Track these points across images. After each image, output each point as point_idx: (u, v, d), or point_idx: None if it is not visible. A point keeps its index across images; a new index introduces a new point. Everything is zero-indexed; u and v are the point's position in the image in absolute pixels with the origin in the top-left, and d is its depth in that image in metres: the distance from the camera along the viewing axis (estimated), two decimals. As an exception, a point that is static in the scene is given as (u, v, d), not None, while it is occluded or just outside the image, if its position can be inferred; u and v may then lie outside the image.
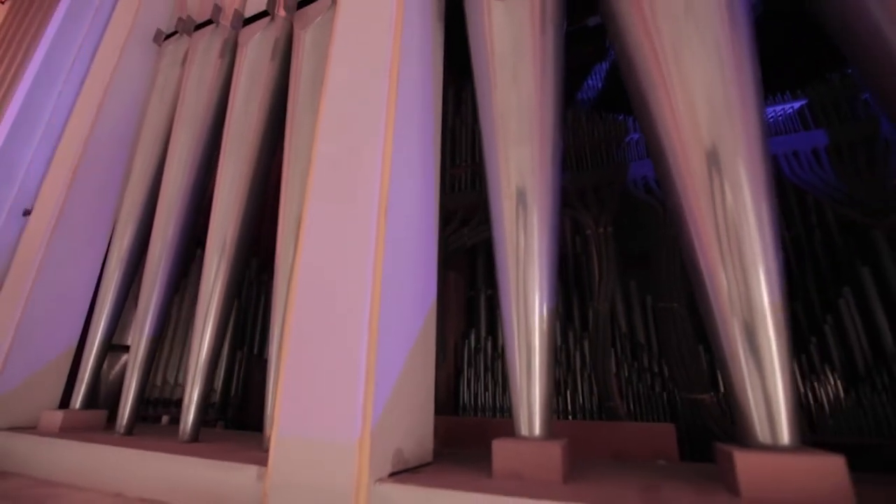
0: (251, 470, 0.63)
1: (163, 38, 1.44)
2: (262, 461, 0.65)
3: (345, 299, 0.62)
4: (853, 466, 1.37)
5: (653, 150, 0.73)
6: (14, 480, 0.81)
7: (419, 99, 0.85)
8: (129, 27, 1.41)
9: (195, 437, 0.87)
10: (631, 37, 0.76)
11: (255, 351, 1.95)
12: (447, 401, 1.74)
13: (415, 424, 0.66)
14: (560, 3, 0.87)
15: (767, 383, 0.53)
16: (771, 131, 1.53)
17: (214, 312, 0.95)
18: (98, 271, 1.24)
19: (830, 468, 0.46)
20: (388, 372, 0.61)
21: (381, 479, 0.55)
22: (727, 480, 0.51)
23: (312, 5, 1.10)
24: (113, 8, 2.36)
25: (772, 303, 0.56)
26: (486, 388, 1.78)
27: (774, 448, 0.51)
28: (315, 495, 0.54)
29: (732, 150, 0.63)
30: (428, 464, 0.68)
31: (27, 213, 1.87)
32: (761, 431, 0.52)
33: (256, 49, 1.17)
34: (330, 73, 0.80)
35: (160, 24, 1.50)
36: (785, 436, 0.52)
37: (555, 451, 0.56)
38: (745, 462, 0.49)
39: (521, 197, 0.75)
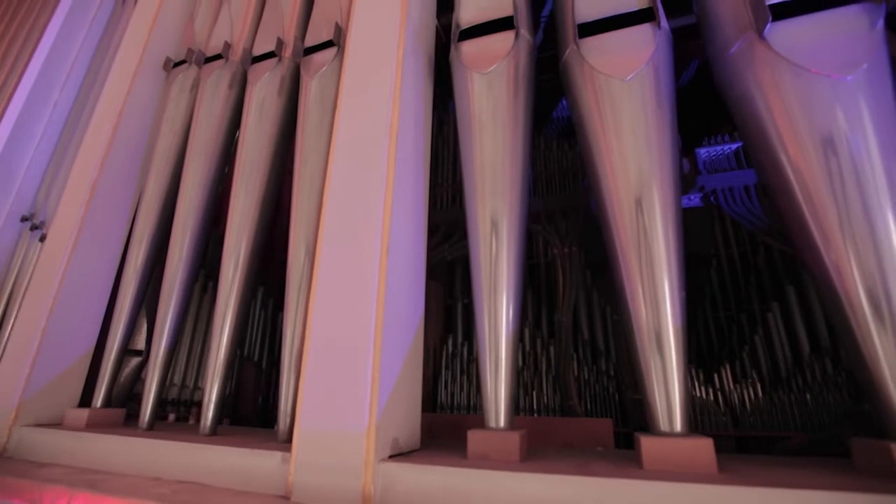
0: (276, 455, 0.79)
1: (171, 65, 1.56)
2: (282, 449, 0.81)
3: (354, 320, 0.79)
4: (765, 453, 1.63)
5: (595, 194, 0.92)
6: (55, 469, 0.94)
7: (413, 147, 1.02)
8: (139, 54, 1.52)
9: (214, 430, 1.01)
10: (585, 109, 0.95)
11: (246, 353, 2.07)
12: (426, 399, 1.91)
13: (407, 419, 0.84)
14: (530, 74, 1.05)
15: (668, 384, 0.73)
16: (711, 168, 1.77)
17: (230, 320, 1.09)
18: (111, 282, 1.35)
19: (703, 447, 0.66)
20: (388, 377, 0.78)
21: (383, 460, 0.72)
22: (637, 458, 0.71)
23: (318, 54, 1.25)
24: (108, 19, 2.43)
25: (674, 320, 0.75)
26: (461, 389, 1.97)
27: (670, 434, 0.71)
28: (332, 471, 0.71)
29: (651, 198, 0.83)
30: (416, 450, 0.85)
31: (24, 219, 1.94)
32: (662, 422, 0.72)
33: (265, 87, 1.31)
34: (337, 133, 0.97)
35: (168, 51, 1.61)
36: (678, 425, 0.71)
37: (514, 438, 0.75)
38: (647, 444, 0.68)
39: (496, 229, 0.93)
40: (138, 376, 1.51)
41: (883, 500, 0.51)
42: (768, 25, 0.79)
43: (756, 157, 0.86)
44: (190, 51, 1.50)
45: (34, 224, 1.87)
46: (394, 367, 0.80)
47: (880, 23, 0.75)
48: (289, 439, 0.90)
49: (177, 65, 1.56)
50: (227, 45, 1.43)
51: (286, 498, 0.73)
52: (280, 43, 1.33)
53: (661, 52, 0.90)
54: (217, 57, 1.44)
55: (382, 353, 0.77)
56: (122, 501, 0.73)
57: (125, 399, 1.48)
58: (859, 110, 0.72)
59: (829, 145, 0.74)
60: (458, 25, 1.08)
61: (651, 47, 0.90)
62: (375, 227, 0.84)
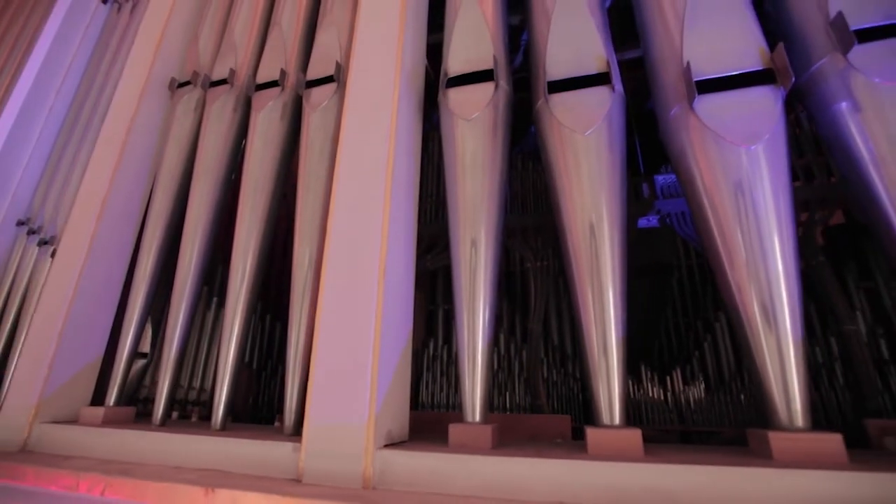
0: (287, 445, 0.93)
1: (176, 85, 1.66)
2: (290, 440, 0.95)
3: (356, 331, 0.94)
4: (703, 443, 1.89)
5: (557, 222, 1.09)
6: (81, 460, 1.05)
7: (406, 178, 1.18)
8: (145, 75, 1.62)
9: (224, 426, 1.15)
10: (551, 153, 1.12)
11: (237, 355, 2.17)
12: (410, 398, 2.06)
13: (398, 414, 0.99)
14: (507, 118, 1.22)
15: (611, 385, 0.91)
16: (667, 193, 1.99)
17: (237, 327, 1.22)
18: (119, 289, 1.46)
19: (633, 436, 0.84)
20: (385, 378, 0.93)
21: (380, 448, 0.87)
22: (584, 446, 0.88)
23: (318, 88, 1.39)
24: (103, 25, 2.49)
25: (616, 332, 0.93)
26: (441, 389, 2.13)
27: (611, 426, 0.89)
28: (338, 458, 0.86)
29: (601, 227, 1.01)
30: (406, 440, 1.01)
31: (21, 223, 2.00)
32: (605, 416, 0.90)
33: (269, 115, 1.44)
34: (339, 166, 1.11)
35: (172, 71, 1.72)
36: (617, 419, 0.89)
37: (488, 430, 0.91)
38: (591, 434, 0.86)
39: (475, 249, 1.10)
40: (143, 377, 1.61)
41: (748, 471, 0.70)
42: (696, 98, 0.98)
43: (687, 198, 1.05)
44: (195, 73, 1.61)
45: (31, 229, 1.93)
46: (389, 370, 0.96)
47: (780, 103, 0.95)
48: (295, 432, 1.04)
49: (181, 85, 1.66)
50: (233, 72, 1.55)
51: (298, 480, 0.88)
52: (283, 74, 1.46)
53: (615, 110, 1.09)
54: (222, 82, 1.56)
55: (380, 359, 0.92)
56: (156, 485, 0.86)
57: (131, 399, 1.58)
58: (761, 169, 0.92)
59: (738, 192, 0.93)
60: (445, 73, 1.24)
61: (606, 107, 1.08)
62: (374, 252, 1.00)
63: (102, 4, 2.50)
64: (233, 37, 1.65)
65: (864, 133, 0.92)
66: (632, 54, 2.32)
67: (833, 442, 0.76)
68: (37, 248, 1.88)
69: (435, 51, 1.55)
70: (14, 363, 1.70)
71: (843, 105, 0.95)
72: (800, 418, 0.81)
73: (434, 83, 1.48)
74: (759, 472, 0.71)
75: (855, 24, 0.95)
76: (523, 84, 1.56)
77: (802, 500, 0.68)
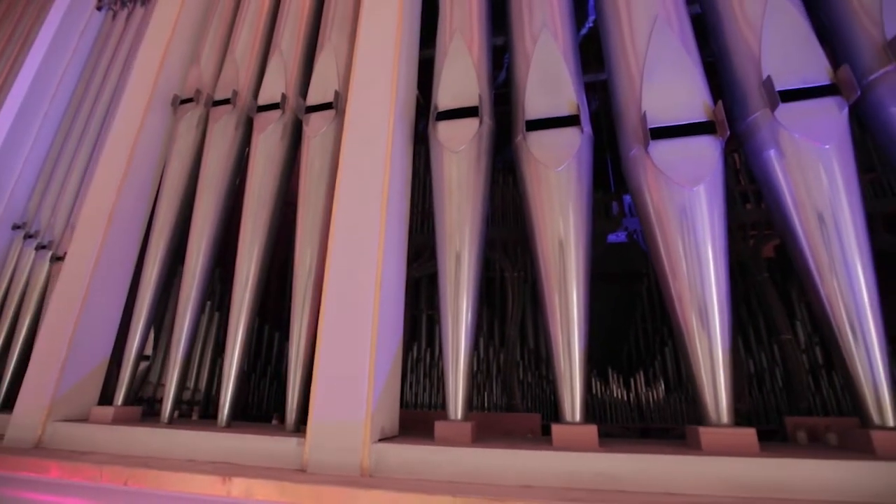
0: (292, 440, 1.05)
1: (179, 102, 1.75)
2: (294, 436, 1.07)
3: (355, 339, 1.07)
4: (660, 439, 2.05)
5: (531, 241, 1.24)
6: (98, 455, 1.15)
7: (398, 199, 1.31)
8: (149, 93, 1.71)
9: (229, 423, 1.26)
10: (527, 183, 1.28)
11: (228, 356, 2.26)
12: (394, 400, 2.19)
13: (390, 412, 1.13)
14: (490, 149, 1.37)
15: (573, 387, 1.06)
16: (634, 213, 2.17)
17: (241, 332, 1.34)
18: (125, 294, 1.54)
19: (590, 431, 1.00)
20: (380, 381, 1.07)
21: (375, 442, 1.01)
22: (551, 440, 1.04)
23: (318, 113, 1.51)
24: (98, 31, 2.54)
25: (579, 339, 1.09)
26: (424, 390, 2.26)
27: (572, 423, 1.04)
28: (338, 451, 0.99)
29: (568, 247, 1.16)
30: (396, 436, 1.14)
31: (16, 227, 2.05)
32: (568, 413, 1.06)
33: (270, 136, 1.55)
34: (339, 187, 1.24)
35: (175, 88, 1.80)
36: (578, 416, 1.05)
37: (468, 427, 1.06)
38: (556, 429, 1.01)
39: (459, 263, 1.24)
40: (144, 379, 1.70)
41: (680, 458, 0.86)
42: (650, 144, 1.15)
43: (641, 223, 1.22)
44: (198, 92, 1.71)
45: (27, 233, 1.98)
46: (383, 374, 1.09)
47: (719, 151, 1.12)
48: (296, 429, 1.17)
49: (183, 102, 1.75)
50: (235, 93, 1.65)
51: (303, 471, 1.00)
52: (284, 97, 1.57)
53: (583, 148, 1.25)
54: (225, 101, 1.66)
55: (376, 365, 1.05)
56: (176, 475, 0.97)
57: (134, 399, 1.66)
58: (702, 205, 1.09)
59: (683, 222, 1.10)
60: (436, 107, 1.38)
61: (576, 146, 1.24)
62: (371, 268, 1.13)
63: (97, 11, 2.55)
64: (234, 58, 1.75)
65: (788, 179, 1.10)
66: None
67: (748, 435, 0.93)
68: (34, 251, 1.93)
69: (423, 67, 1.68)
70: (11, 365, 1.76)
71: (772, 153, 1.14)
72: (725, 416, 0.98)
73: (423, 106, 1.62)
74: (688, 459, 0.87)
75: (780, 85, 1.13)
76: (506, 98, 1.70)
77: (720, 480, 0.85)
